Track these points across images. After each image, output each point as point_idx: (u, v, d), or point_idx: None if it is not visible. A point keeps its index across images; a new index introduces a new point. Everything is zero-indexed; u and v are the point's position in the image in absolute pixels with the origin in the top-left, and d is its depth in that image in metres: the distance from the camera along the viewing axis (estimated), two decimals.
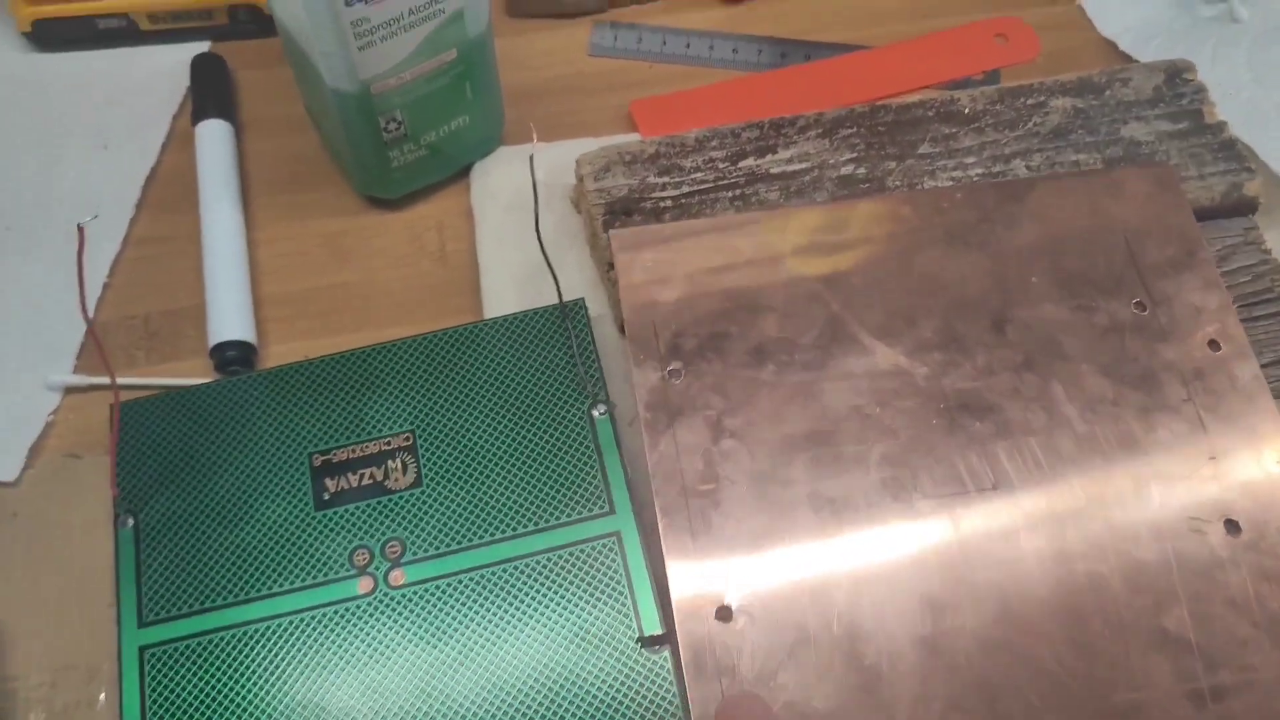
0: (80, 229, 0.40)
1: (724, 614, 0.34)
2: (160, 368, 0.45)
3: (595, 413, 0.40)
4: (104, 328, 0.46)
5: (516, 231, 0.46)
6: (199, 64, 0.53)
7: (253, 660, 0.36)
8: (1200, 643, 0.34)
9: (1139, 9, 0.55)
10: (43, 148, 0.51)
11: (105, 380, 0.44)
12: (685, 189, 0.44)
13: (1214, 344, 0.40)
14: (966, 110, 0.47)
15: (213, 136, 0.50)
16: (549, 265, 0.41)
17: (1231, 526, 0.36)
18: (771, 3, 0.56)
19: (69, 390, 0.44)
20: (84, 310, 0.42)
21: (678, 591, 0.34)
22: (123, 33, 0.53)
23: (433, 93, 0.44)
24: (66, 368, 0.45)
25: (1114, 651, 0.34)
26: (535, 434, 0.40)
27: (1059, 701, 0.33)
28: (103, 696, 0.37)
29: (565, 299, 0.42)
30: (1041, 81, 0.48)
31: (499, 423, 0.40)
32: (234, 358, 0.43)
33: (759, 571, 0.35)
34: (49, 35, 0.53)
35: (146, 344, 0.45)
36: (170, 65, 0.53)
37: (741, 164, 0.45)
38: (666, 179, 0.45)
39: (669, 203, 0.44)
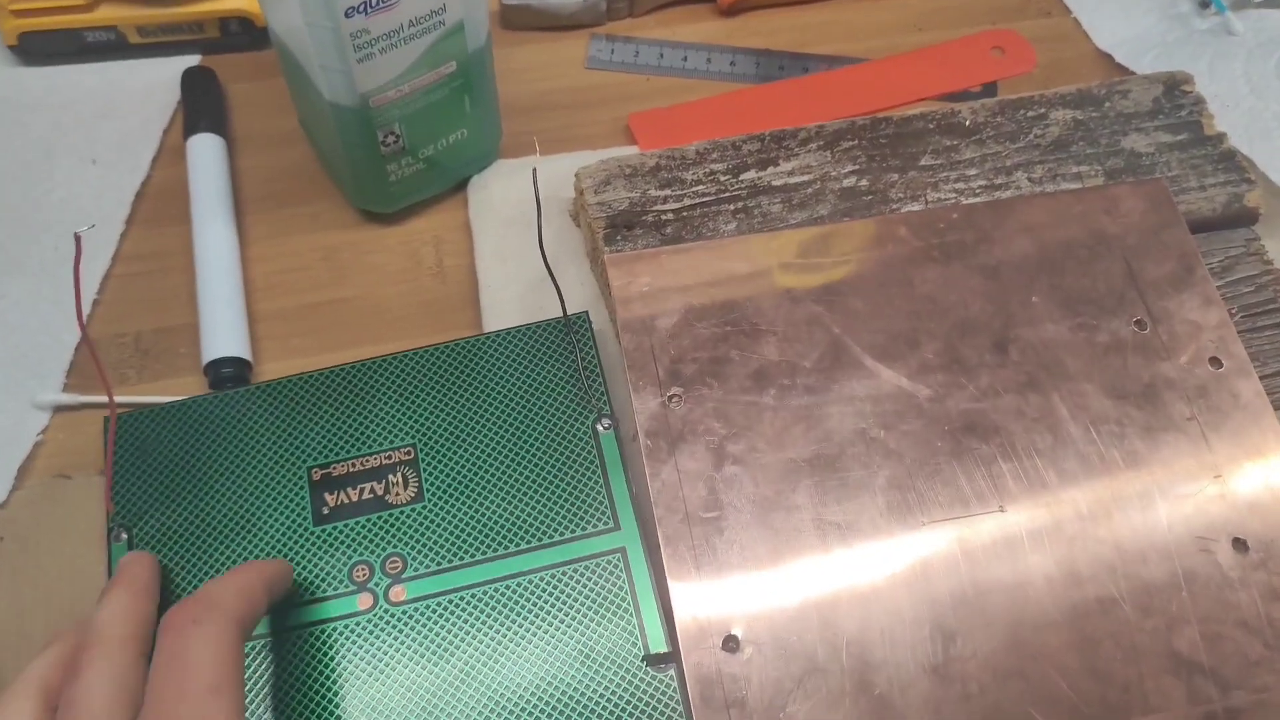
0: (77, 237, 0.40)
1: (731, 644, 0.34)
2: (152, 386, 0.44)
3: (600, 427, 0.39)
4: (94, 346, 0.45)
5: (515, 245, 0.46)
6: (190, 77, 0.52)
7: (250, 678, 0.35)
8: (1213, 664, 0.34)
9: (1134, 22, 0.55)
10: (30, 163, 0.50)
11: (95, 399, 0.43)
12: (687, 201, 0.44)
13: (1215, 361, 0.39)
14: (968, 122, 0.47)
15: (205, 151, 0.49)
16: (553, 279, 0.41)
17: (1239, 545, 0.36)
18: (768, 16, 0.56)
19: (58, 409, 0.44)
20: (80, 321, 0.41)
21: (683, 622, 0.34)
22: (111, 46, 0.52)
23: (432, 105, 0.43)
24: (55, 386, 0.44)
25: (1127, 675, 0.34)
26: (538, 448, 0.39)
27: (1067, 715, 0.33)
28: None
29: (569, 313, 0.41)
30: (1042, 94, 0.48)
31: (502, 437, 0.39)
32: (229, 375, 0.43)
33: (766, 600, 0.34)
34: (36, 48, 0.52)
35: (138, 362, 0.45)
36: (160, 79, 0.52)
37: (743, 176, 0.45)
38: (668, 191, 0.44)
39: (670, 215, 0.44)
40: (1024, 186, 0.45)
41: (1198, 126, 0.47)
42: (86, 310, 0.46)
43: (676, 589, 0.35)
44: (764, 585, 0.35)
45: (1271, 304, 0.43)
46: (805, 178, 0.45)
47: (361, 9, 0.37)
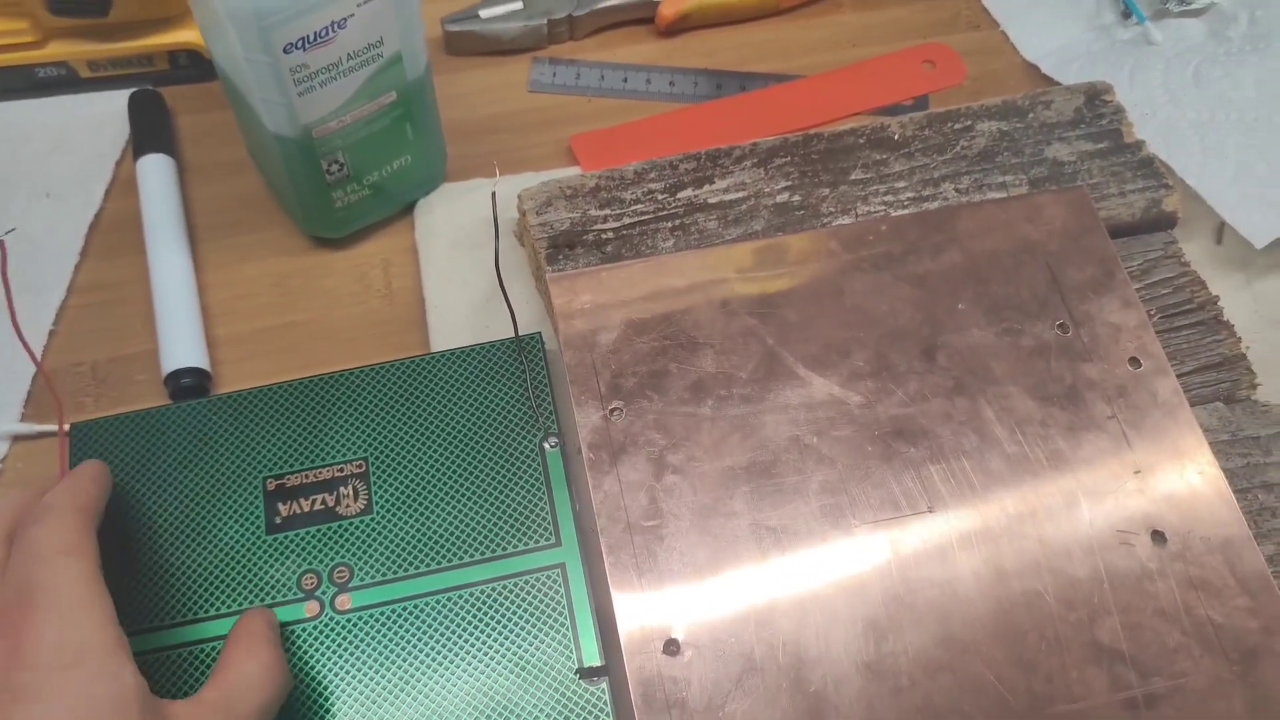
0: (1, 243, 0.42)
1: (671, 647, 0.35)
2: (109, 413, 0.45)
3: (546, 445, 0.41)
4: (51, 375, 0.46)
5: (462, 267, 0.47)
6: (136, 100, 0.53)
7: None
8: (1133, 652, 0.36)
9: (1059, 34, 0.57)
10: None
11: (51, 428, 0.44)
12: (626, 220, 0.45)
13: (1134, 361, 0.41)
14: (896, 136, 0.48)
15: (155, 171, 0.50)
16: (506, 299, 0.42)
17: (1158, 538, 0.38)
18: (706, 36, 0.58)
19: (16, 439, 0.44)
20: (13, 320, 0.42)
21: (625, 627, 0.35)
22: (62, 80, 0.53)
23: (374, 134, 0.44)
24: (13, 417, 0.45)
25: (1051, 665, 0.35)
26: (486, 465, 0.40)
27: (1001, 717, 0.35)
28: None
29: (523, 334, 0.43)
30: (968, 106, 0.49)
31: (451, 453, 0.41)
32: (189, 385, 0.44)
33: (705, 604, 0.36)
34: None
35: (95, 390, 0.46)
36: (111, 111, 0.53)
37: (680, 195, 0.46)
38: (608, 211, 0.46)
39: (610, 234, 0.45)
40: (951, 197, 0.47)
41: (1118, 134, 0.49)
42: (43, 341, 0.47)
43: (619, 595, 0.36)
44: (703, 590, 0.36)
45: (1188, 304, 0.45)
46: (740, 194, 0.46)
47: (300, 45, 0.38)
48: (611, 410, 0.39)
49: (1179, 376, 0.42)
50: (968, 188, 0.47)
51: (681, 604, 0.36)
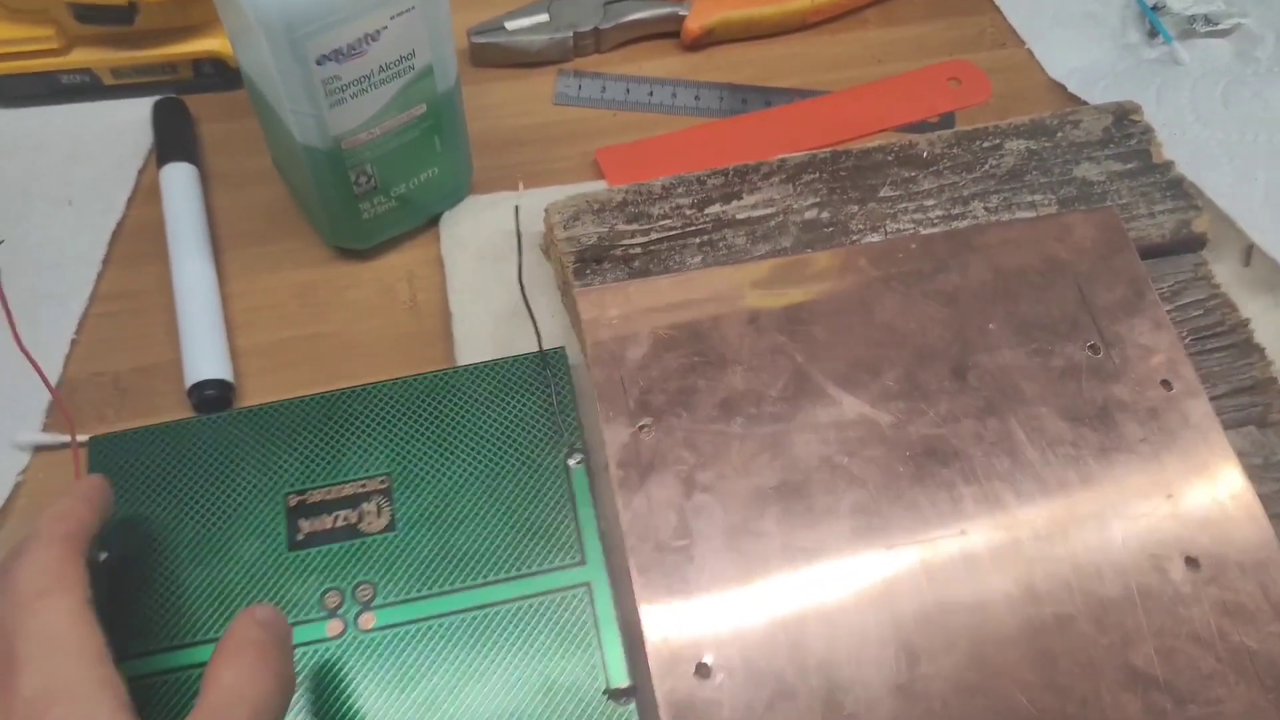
0: None
1: (703, 670, 0.35)
2: (131, 424, 0.44)
3: (571, 462, 0.40)
4: (72, 385, 0.46)
5: (487, 280, 0.47)
6: (160, 108, 0.53)
7: None
8: (1167, 678, 0.35)
9: (1085, 52, 0.57)
10: (6, 206, 0.50)
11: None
12: (654, 235, 0.45)
13: (1166, 383, 0.41)
14: (925, 154, 0.48)
15: (179, 179, 0.50)
16: (530, 313, 0.42)
17: (1191, 563, 0.37)
18: (731, 50, 0.58)
19: (38, 449, 0.44)
20: (14, 334, 0.42)
21: (655, 650, 0.35)
22: (85, 88, 0.53)
23: (403, 146, 0.44)
24: (35, 427, 0.45)
25: (1084, 690, 0.35)
26: (510, 482, 0.40)
27: None
28: None
29: (544, 347, 0.43)
30: (996, 124, 0.49)
31: (475, 469, 0.40)
32: (213, 397, 0.44)
33: (736, 625, 0.35)
34: (10, 91, 0.53)
35: (117, 401, 0.45)
36: (135, 119, 0.53)
37: (708, 210, 0.46)
38: (635, 226, 0.45)
39: (638, 249, 0.45)
40: (980, 216, 0.46)
41: (1146, 155, 0.49)
42: (65, 350, 0.46)
43: (648, 617, 0.36)
44: (734, 611, 0.36)
45: (1220, 326, 0.44)
46: (768, 210, 0.46)
47: (333, 57, 0.38)
48: (641, 427, 0.39)
49: (1211, 400, 0.42)
50: (997, 206, 0.47)
51: (712, 626, 0.35)
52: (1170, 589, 0.37)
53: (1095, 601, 0.37)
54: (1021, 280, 0.43)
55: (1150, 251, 0.46)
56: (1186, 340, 0.44)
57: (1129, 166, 0.48)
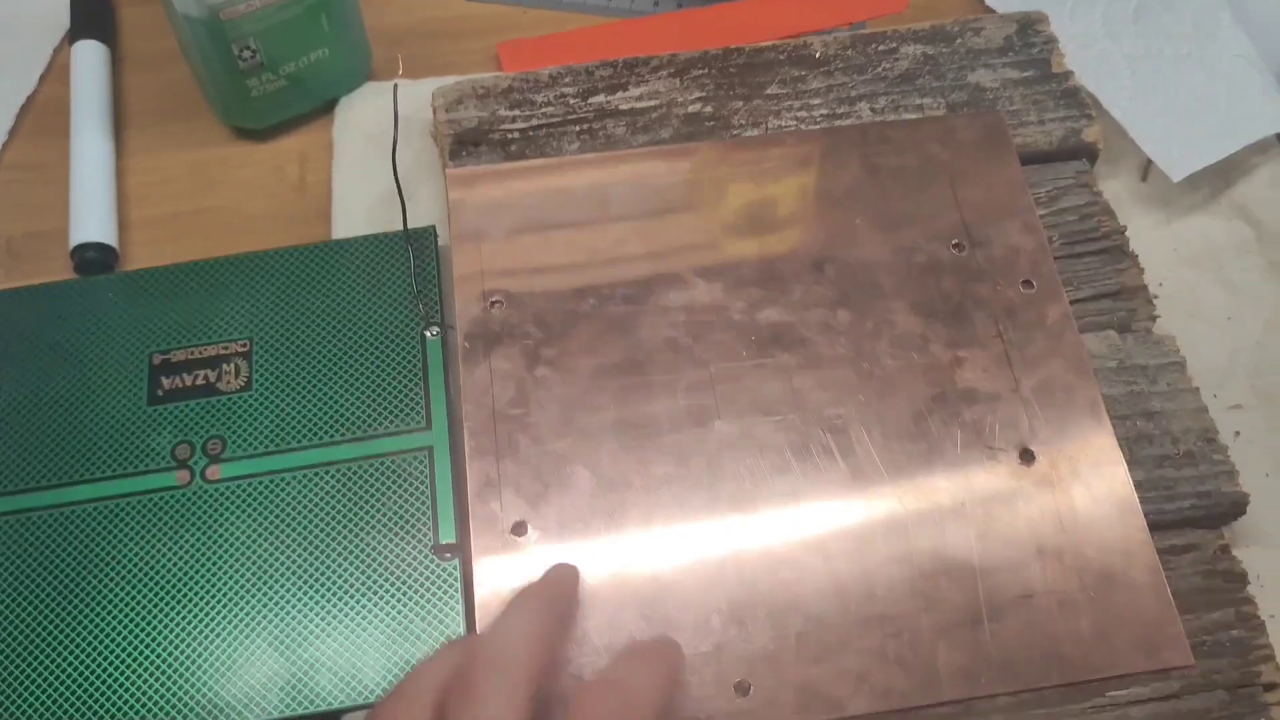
0: None
1: (519, 529, 0.35)
2: (19, 285, 0.45)
3: (428, 334, 0.41)
4: None
5: (374, 163, 0.47)
6: None
7: (67, 540, 0.37)
8: (984, 567, 0.36)
9: None
10: None
11: None
12: (534, 122, 0.45)
13: (1028, 283, 0.41)
14: (818, 54, 0.48)
15: (87, 56, 0.51)
16: (399, 190, 0.43)
17: (1026, 456, 0.38)
18: None
19: None
20: None
21: (475, 508, 0.36)
22: None
23: (286, 22, 0.44)
24: None
25: (900, 574, 0.35)
26: (367, 350, 0.41)
27: (837, 609, 0.35)
28: None
29: (418, 226, 0.43)
30: (895, 29, 0.49)
31: (334, 337, 0.41)
32: (93, 260, 0.45)
33: (558, 491, 0.36)
34: None
35: (7, 263, 0.46)
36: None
37: (592, 100, 0.46)
38: (517, 112, 0.46)
39: (516, 135, 0.45)
40: (865, 116, 0.46)
41: (1045, 64, 0.48)
42: None
43: (473, 475, 0.36)
44: (557, 477, 0.36)
45: (1094, 233, 0.44)
46: (652, 103, 0.46)
47: None
48: (493, 302, 0.40)
49: (1074, 302, 0.42)
50: (884, 108, 0.47)
51: (534, 489, 0.36)
52: (1001, 481, 0.37)
53: (925, 487, 0.37)
54: (896, 179, 0.43)
55: (1035, 158, 0.46)
56: (1056, 244, 0.43)
57: (1025, 75, 0.48)
